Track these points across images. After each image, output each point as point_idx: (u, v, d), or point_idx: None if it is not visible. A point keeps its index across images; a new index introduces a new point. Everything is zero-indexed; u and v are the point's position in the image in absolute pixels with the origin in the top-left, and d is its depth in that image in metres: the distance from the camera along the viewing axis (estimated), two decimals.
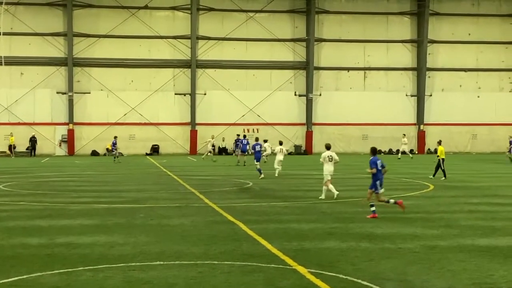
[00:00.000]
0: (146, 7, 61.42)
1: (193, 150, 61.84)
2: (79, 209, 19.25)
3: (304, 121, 64.36)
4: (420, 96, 65.61)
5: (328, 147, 22.75)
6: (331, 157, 21.91)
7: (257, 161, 32.72)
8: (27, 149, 60.29)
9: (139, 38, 61.28)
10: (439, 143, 32.58)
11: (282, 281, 10.08)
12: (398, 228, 15.46)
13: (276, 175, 32.30)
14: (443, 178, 30.62)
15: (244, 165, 41.90)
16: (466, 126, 66.10)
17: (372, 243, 13.39)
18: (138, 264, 11.32)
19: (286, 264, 11.27)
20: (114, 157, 48.69)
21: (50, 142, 61.09)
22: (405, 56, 65.80)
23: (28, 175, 34.45)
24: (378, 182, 17.42)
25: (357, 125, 64.55)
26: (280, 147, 33.76)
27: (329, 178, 21.84)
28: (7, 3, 58.66)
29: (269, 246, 12.96)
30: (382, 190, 17.61)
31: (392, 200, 17.75)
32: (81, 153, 60.41)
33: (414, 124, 66.08)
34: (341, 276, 10.39)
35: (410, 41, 65.81)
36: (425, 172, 33.42)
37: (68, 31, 59.94)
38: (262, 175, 31.08)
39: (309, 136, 63.97)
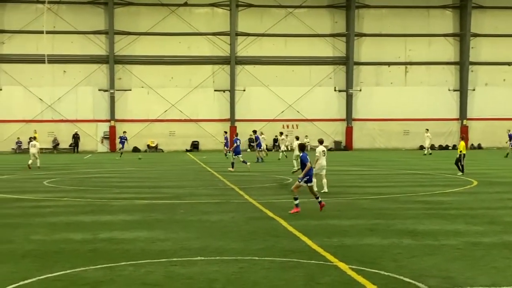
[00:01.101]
0: (185, 4, 61.83)
1: (233, 146, 61.90)
2: (121, 205, 19.46)
3: (344, 116, 64.01)
4: (462, 90, 64.66)
5: (321, 142, 23.09)
6: (324, 152, 22.36)
7: (238, 155, 35.05)
8: (70, 145, 61.29)
9: (179, 35, 61.70)
10: (462, 138, 32.33)
11: (323, 277, 10.02)
12: (440, 225, 15.24)
13: (295, 169, 33.02)
14: (460, 173, 30.39)
15: (226, 157, 43.57)
16: (510, 120, 64.83)
17: (414, 239, 13.22)
18: (179, 259, 11.38)
19: (326, 260, 11.20)
20: (121, 154, 48.91)
21: (92, 138, 61.97)
22: (447, 50, 64.88)
23: (71, 171, 35.00)
24: (306, 178, 17.29)
25: (398, 121, 63.94)
26: (298, 142, 34.77)
27: (323, 172, 22.21)
28: (49, 2, 59.65)
29: (309, 242, 12.90)
30: (313, 182, 17.68)
31: (320, 199, 17.50)
32: (123, 150, 61.03)
33: (457, 119, 65.17)
34: (383, 272, 10.28)
35: (452, 35, 64.88)
36: (467, 168, 32.87)
37: (109, 29, 60.71)
38: (249, 164, 34.15)
39: (349, 132, 63.59)
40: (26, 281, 9.85)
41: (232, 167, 33.94)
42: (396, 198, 20.86)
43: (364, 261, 11.13)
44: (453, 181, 27.22)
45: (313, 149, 35.29)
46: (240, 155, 35.11)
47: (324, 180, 22.40)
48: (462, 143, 31.31)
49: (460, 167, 30.79)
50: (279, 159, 45.00)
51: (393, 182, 27.21)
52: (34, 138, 39.15)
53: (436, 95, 64.53)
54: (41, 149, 57.92)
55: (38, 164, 37.22)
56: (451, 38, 64.99)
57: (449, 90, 65.12)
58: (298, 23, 62.86)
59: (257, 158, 43.10)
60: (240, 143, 36.24)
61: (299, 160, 30.58)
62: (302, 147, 18.15)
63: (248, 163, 34.24)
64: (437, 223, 15.50)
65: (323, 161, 22.18)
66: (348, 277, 10.06)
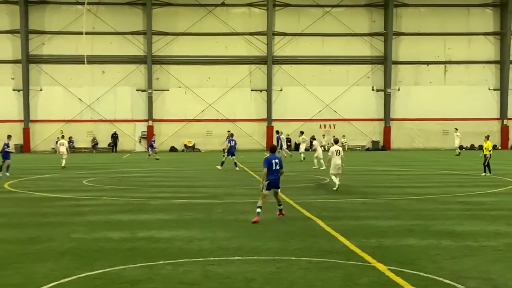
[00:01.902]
0: (222, 4, 62.06)
1: (270, 146, 61.93)
2: (159, 204, 19.61)
3: (382, 116, 63.52)
4: (503, 89, 63.61)
5: (336, 142, 24.39)
6: (338, 152, 23.31)
7: (232, 156, 35.04)
8: (108, 145, 62.05)
9: (216, 35, 61.96)
10: (487, 138, 31.75)
11: (361, 278, 9.96)
12: (480, 226, 15.01)
13: (316, 167, 35.18)
14: (484, 174, 30.08)
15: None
16: None
17: (454, 240, 13.05)
18: (216, 258, 11.42)
19: (364, 261, 11.13)
20: (149, 155, 48.57)
21: (131, 138, 62.62)
22: (487, 48, 63.89)
23: (110, 171, 35.39)
24: (266, 183, 15.89)
25: (437, 120, 63.17)
26: (316, 141, 36.28)
27: (339, 171, 23.32)
28: (89, 3, 60.46)
29: (347, 242, 12.83)
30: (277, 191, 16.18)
31: (281, 207, 16.49)
32: (160, 149, 61.54)
33: (497, 119, 64.14)
34: (422, 274, 10.17)
35: (493, 33, 63.88)
36: (508, 169, 32.36)
37: (147, 29, 61.26)
38: (220, 167, 34.17)
39: (387, 131, 63.08)
40: (66, 279, 9.99)
41: (221, 166, 34.48)
42: (435, 199, 20.62)
43: (403, 262, 11.03)
44: (494, 182, 26.79)
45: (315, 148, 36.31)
46: (233, 156, 35.02)
47: (333, 178, 23.37)
48: (487, 143, 30.78)
49: (487, 167, 30.36)
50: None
51: (432, 183, 26.91)
52: (62, 137, 39.69)
53: (476, 94, 63.60)
54: (79, 148, 59.50)
55: (63, 164, 37.34)
56: (491, 36, 63.98)
57: (489, 89, 64.13)
58: (336, 22, 62.58)
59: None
60: (235, 143, 35.98)
61: (321, 160, 30.81)
62: (272, 149, 16.95)
63: (221, 167, 34.32)
64: (477, 224, 15.28)
65: (337, 160, 23.21)
66: (386, 278, 9.97)
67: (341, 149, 23.68)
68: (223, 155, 35.78)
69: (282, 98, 62.94)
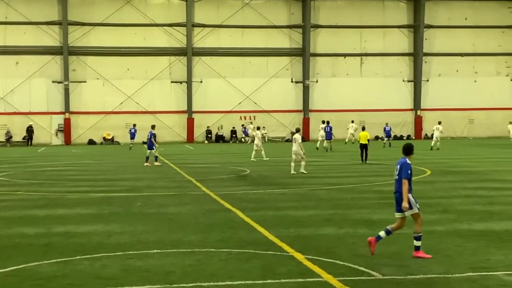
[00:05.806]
0: None
1: (190, 138, 61.79)
2: (76, 198, 19.24)
3: (301, 107, 64.29)
4: (416, 81, 65.56)
5: (297, 131, 28.60)
6: (295, 139, 27.36)
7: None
8: (23, 138, 60.22)
9: (135, 26, 61.06)
10: (363, 129, 33.61)
11: (279, 267, 10.08)
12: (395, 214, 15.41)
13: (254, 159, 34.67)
14: (362, 162, 31.68)
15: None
16: (463, 111, 66.06)
17: (370, 229, 13.39)
18: (135, 252, 11.32)
19: (283, 251, 11.28)
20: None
21: (47, 131, 61.00)
22: (401, 41, 65.64)
23: (25, 165, 34.43)
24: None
25: (354, 111, 64.33)
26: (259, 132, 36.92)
27: (294, 157, 26.92)
28: None
29: (266, 233, 12.96)
30: None
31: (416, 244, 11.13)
32: (78, 142, 60.35)
33: (411, 110, 66.07)
34: (338, 262, 10.39)
35: (407, 26, 65.67)
36: (421, 158, 33.43)
37: (63, 19, 59.69)
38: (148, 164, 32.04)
39: (306, 122, 63.88)
40: None
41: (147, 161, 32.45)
42: (352, 188, 21.09)
43: (320, 251, 11.24)
44: None
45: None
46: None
47: (293, 164, 26.95)
48: (362, 133, 32.16)
49: (364, 156, 31.88)
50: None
51: (349, 173, 27.50)
52: None
53: (391, 86, 65.27)
54: None
55: None
56: (405, 29, 65.76)
57: (403, 81, 65.94)
58: (255, 14, 62.80)
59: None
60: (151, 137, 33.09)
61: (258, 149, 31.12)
62: (407, 150, 11.81)
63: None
64: (392, 212, 15.58)
65: (293, 147, 27.07)
66: (304, 267, 10.14)
67: (296, 137, 27.36)
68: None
69: (203, 90, 62.73)
